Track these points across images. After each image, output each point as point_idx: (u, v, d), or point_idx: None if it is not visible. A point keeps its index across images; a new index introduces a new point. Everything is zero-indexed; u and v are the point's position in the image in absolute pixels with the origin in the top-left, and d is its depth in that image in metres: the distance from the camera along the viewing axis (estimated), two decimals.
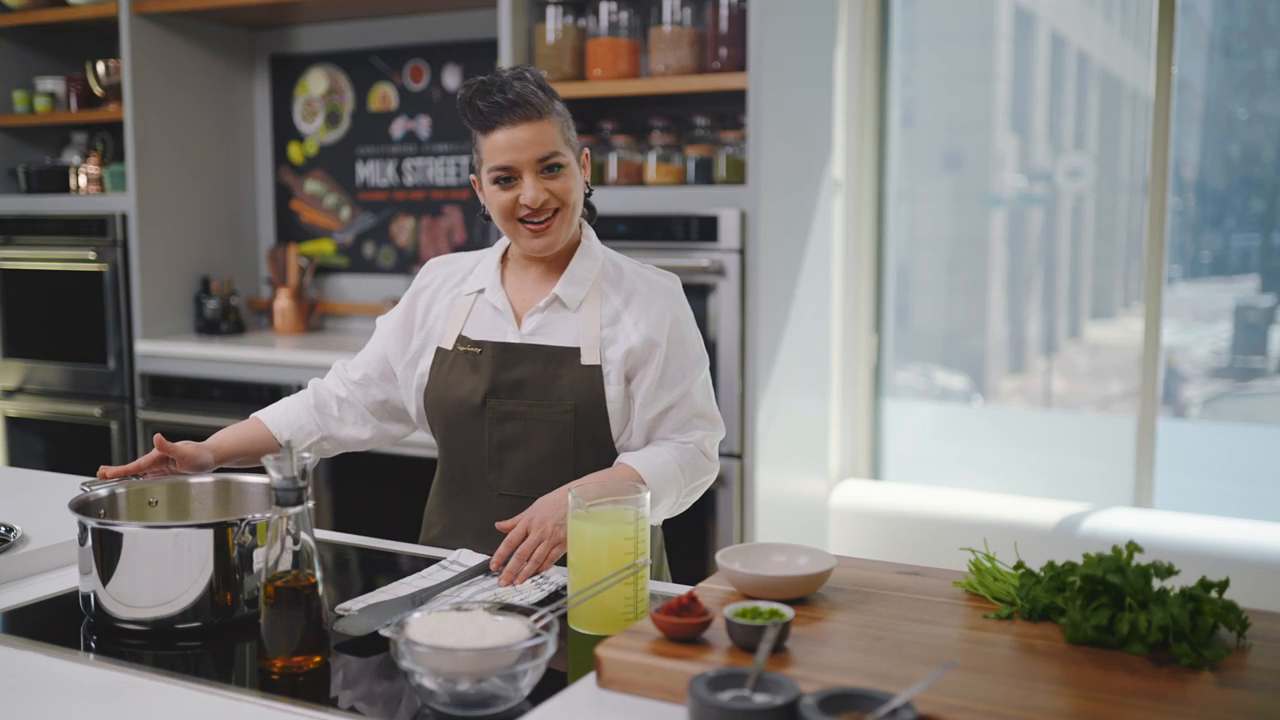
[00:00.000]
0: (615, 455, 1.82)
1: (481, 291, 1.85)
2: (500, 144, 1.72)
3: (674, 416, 1.80)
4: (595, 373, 1.76)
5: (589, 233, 1.86)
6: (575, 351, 1.77)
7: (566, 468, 1.78)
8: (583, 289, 1.80)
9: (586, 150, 1.85)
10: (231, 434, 1.86)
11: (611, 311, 1.79)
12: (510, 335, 1.80)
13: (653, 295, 1.80)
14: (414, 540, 1.88)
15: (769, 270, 3.20)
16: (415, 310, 1.90)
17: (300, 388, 3.68)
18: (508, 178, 1.74)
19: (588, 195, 1.83)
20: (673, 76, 3.30)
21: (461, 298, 1.86)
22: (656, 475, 1.74)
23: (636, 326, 1.77)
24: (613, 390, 1.76)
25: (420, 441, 3.51)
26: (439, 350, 1.84)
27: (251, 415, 1.91)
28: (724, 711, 1.06)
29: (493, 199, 1.77)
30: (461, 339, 1.82)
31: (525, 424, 1.77)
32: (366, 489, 3.64)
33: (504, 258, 1.88)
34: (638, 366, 1.77)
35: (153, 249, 4.05)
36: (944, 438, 4.15)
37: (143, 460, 1.72)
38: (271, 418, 1.91)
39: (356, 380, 1.93)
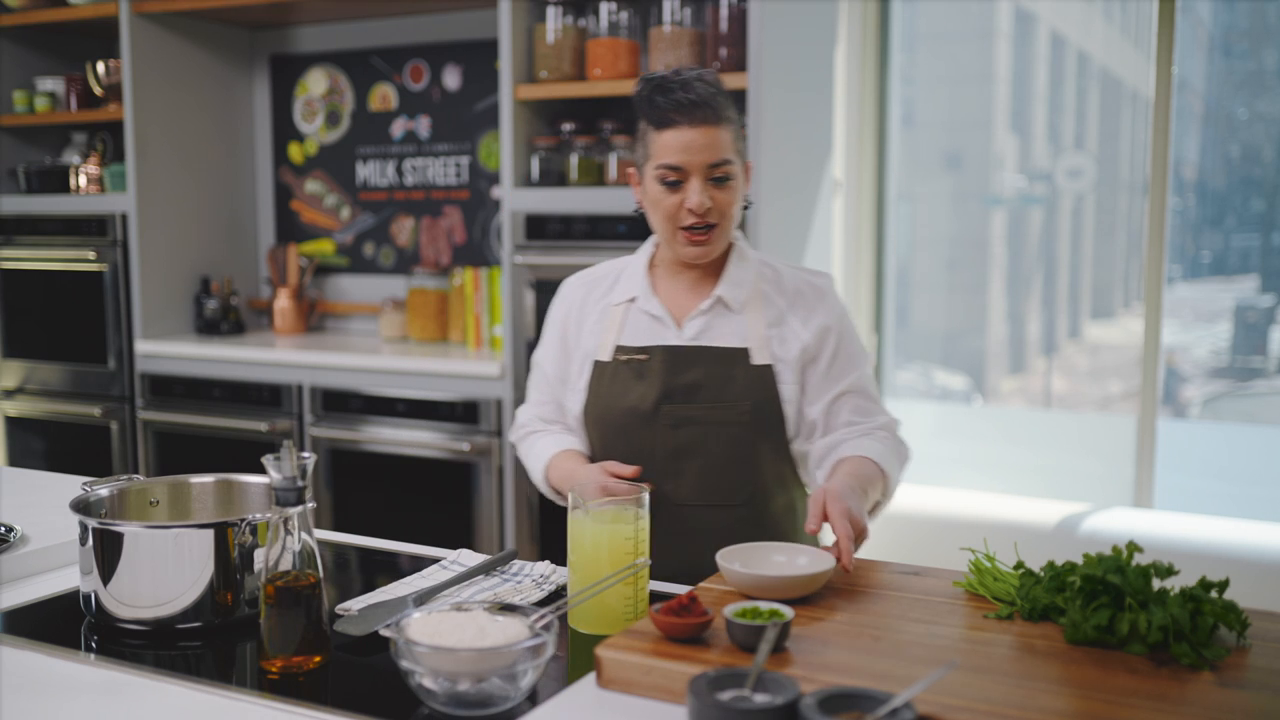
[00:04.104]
0: (792, 458, 1.80)
1: (633, 300, 1.81)
2: (672, 143, 1.69)
3: (850, 402, 1.77)
4: (767, 372, 1.74)
5: (740, 237, 1.84)
6: (744, 352, 1.75)
7: (746, 472, 1.75)
8: (744, 290, 1.78)
9: (750, 162, 1.80)
10: (578, 456, 1.82)
11: (776, 314, 1.78)
12: (674, 340, 1.77)
13: (817, 295, 1.80)
14: (415, 540, 1.88)
15: None
16: (567, 331, 1.88)
17: (300, 387, 3.69)
18: (675, 181, 1.70)
19: (746, 207, 1.80)
20: None
21: (611, 308, 1.83)
22: (889, 465, 1.71)
23: (806, 325, 1.76)
24: (787, 389, 1.75)
25: (419, 441, 3.52)
26: (597, 364, 1.80)
27: (553, 453, 1.85)
28: (724, 711, 1.06)
29: (657, 201, 1.73)
30: (621, 348, 1.79)
31: (702, 428, 1.74)
32: (366, 489, 3.64)
33: (650, 265, 1.85)
34: (809, 362, 1.76)
35: (153, 249, 4.05)
36: (944, 438, 4.15)
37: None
38: (576, 445, 1.86)
39: (547, 418, 1.92)
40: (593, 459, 1.85)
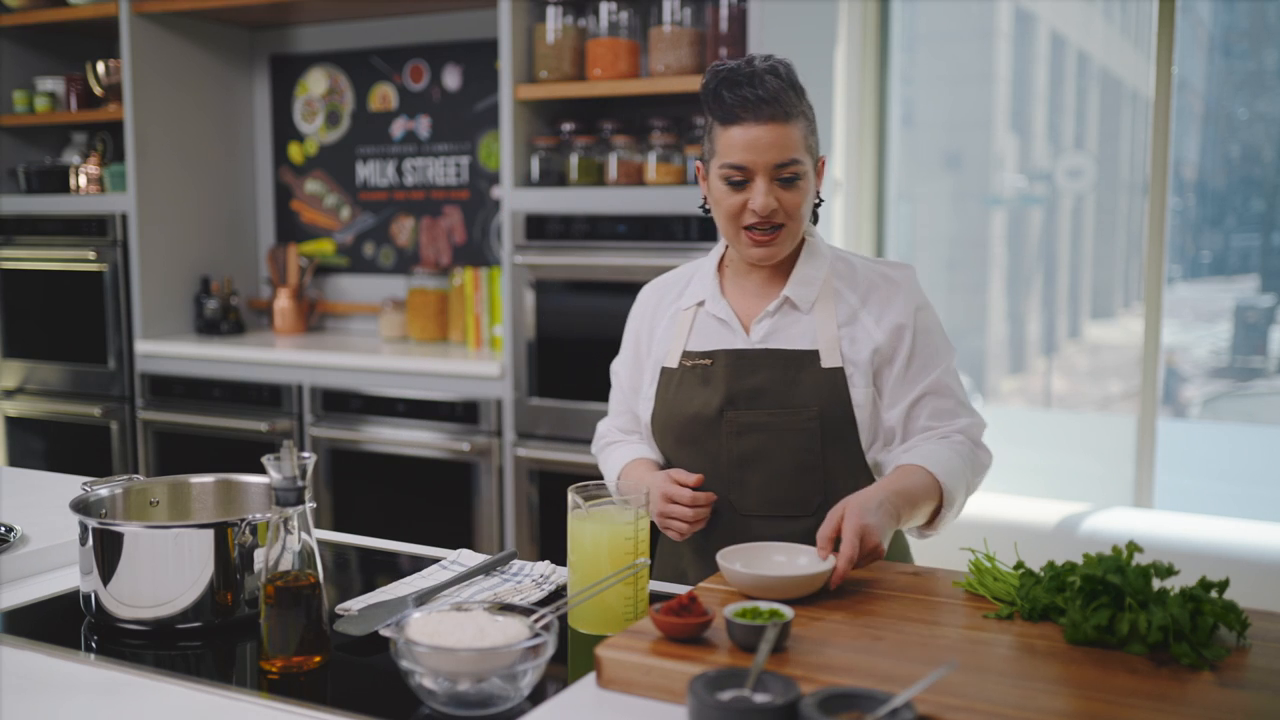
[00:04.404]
0: (867, 467, 1.70)
1: (701, 304, 1.75)
2: (737, 141, 1.61)
3: (929, 405, 1.68)
4: (838, 375, 1.65)
5: (814, 232, 1.75)
6: (814, 354, 1.66)
7: (815, 482, 1.67)
8: (813, 290, 1.69)
9: (824, 158, 1.70)
10: (649, 466, 1.76)
11: (848, 311, 1.69)
12: (740, 343, 1.70)
13: (891, 290, 1.70)
14: (415, 540, 1.88)
15: None
16: (640, 339, 1.83)
17: (300, 387, 3.69)
18: (740, 180, 1.62)
19: (817, 205, 1.74)
20: (673, 76, 3.30)
21: (680, 313, 1.77)
22: (948, 473, 1.61)
23: (879, 324, 1.68)
24: (859, 393, 1.65)
25: (419, 441, 3.52)
26: (664, 370, 1.75)
27: (625, 463, 1.79)
28: (724, 711, 1.06)
29: (720, 199, 1.65)
30: (687, 354, 1.73)
31: (767, 435, 1.66)
32: (366, 489, 3.64)
33: (720, 266, 1.79)
34: (884, 364, 1.67)
35: (153, 249, 4.05)
36: None
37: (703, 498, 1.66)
38: (649, 454, 1.80)
39: (625, 429, 1.88)
40: (664, 468, 1.79)
